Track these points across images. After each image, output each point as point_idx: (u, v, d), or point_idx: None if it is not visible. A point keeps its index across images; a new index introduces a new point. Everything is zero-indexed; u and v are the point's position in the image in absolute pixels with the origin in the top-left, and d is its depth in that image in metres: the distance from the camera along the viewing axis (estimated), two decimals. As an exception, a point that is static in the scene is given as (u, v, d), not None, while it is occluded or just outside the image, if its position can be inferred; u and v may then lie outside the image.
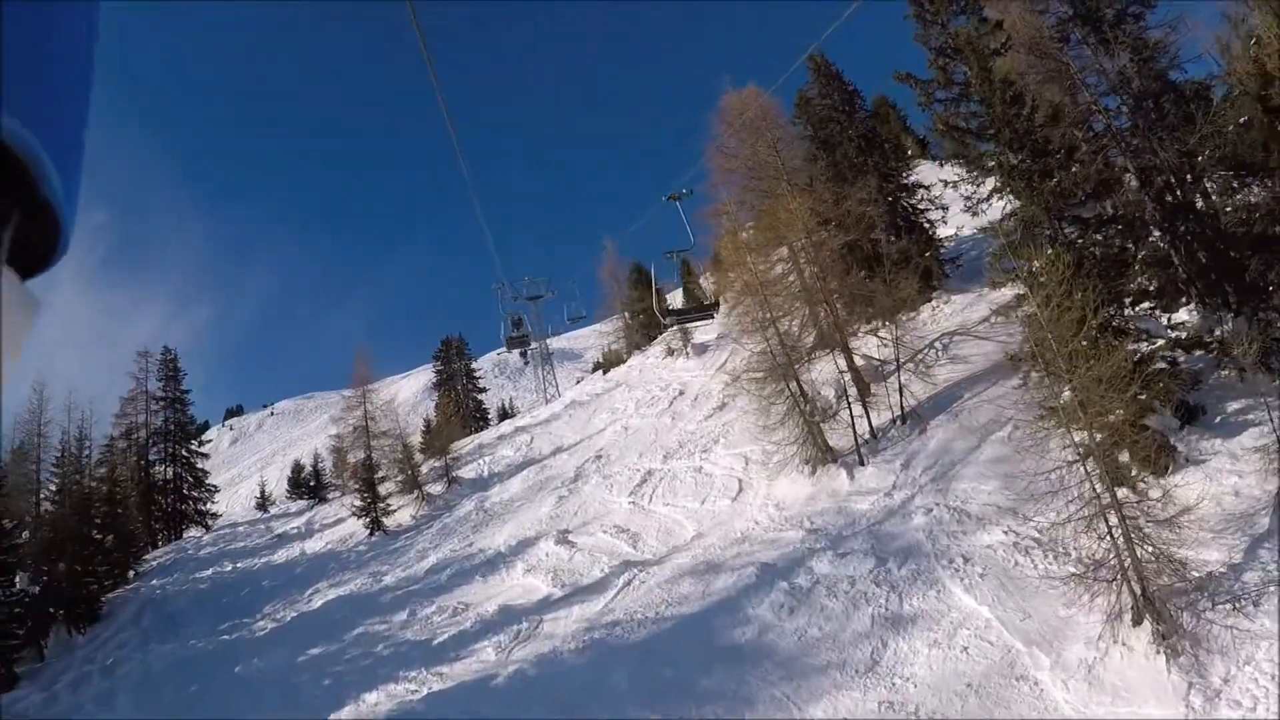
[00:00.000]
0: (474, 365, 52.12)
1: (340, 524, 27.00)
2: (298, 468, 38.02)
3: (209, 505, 34.48)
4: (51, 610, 21.73)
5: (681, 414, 25.53)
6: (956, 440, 16.42)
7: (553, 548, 18.15)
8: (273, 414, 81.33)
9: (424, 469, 27.39)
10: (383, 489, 26.25)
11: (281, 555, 25.93)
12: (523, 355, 54.75)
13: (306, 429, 70.39)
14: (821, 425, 17.36)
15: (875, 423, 17.95)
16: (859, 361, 19.96)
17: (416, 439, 31.76)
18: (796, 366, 18.07)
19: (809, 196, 20.85)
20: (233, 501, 47.07)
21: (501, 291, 42.00)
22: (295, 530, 28.40)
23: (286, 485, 37.69)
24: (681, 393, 28.06)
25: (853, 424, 17.39)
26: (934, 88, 16.61)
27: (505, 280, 39.77)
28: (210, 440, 77.19)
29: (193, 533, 33.03)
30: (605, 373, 47.93)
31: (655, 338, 43.69)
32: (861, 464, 17.04)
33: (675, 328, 35.49)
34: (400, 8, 4.69)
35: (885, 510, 15.35)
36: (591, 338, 79.17)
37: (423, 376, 64.18)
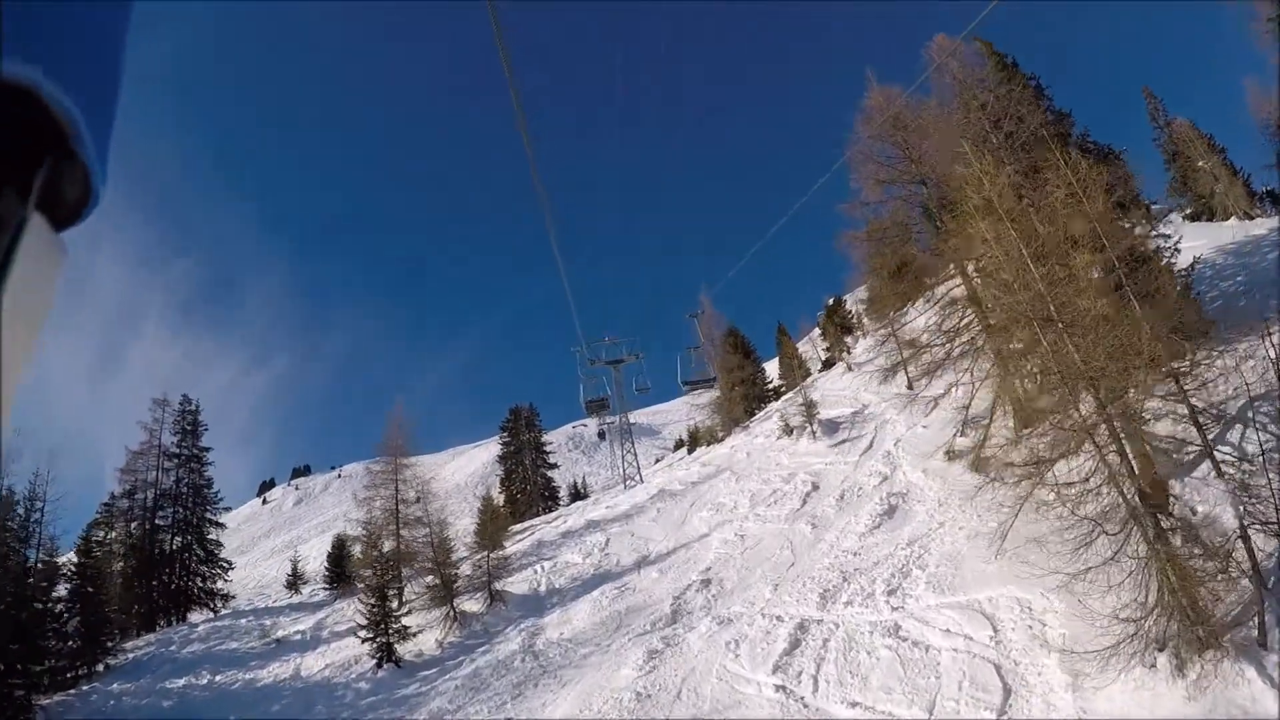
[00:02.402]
0: (545, 438, 45.94)
1: (353, 636, 20.39)
2: (338, 543, 32.15)
3: (219, 584, 28.72)
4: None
5: (825, 520, 17.72)
6: None
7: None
8: (340, 476, 77.84)
9: (463, 570, 20.32)
10: (408, 592, 19.54)
11: (269, 673, 19.40)
12: (600, 435, 50.05)
13: (371, 494, 65.76)
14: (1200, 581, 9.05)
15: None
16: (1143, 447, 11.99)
17: (466, 524, 25.14)
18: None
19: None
20: (283, 568, 42.27)
21: (580, 354, 38.01)
22: (298, 636, 21.89)
23: (326, 562, 31.98)
24: (815, 487, 20.37)
25: (1256, 574, 9.01)
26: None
27: (584, 341, 35.98)
28: (274, 499, 74.68)
29: (195, 616, 27.38)
30: (691, 451, 40.81)
31: (757, 412, 36.24)
32: (1264, 647, 8.69)
33: (787, 399, 27.98)
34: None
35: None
36: (674, 412, 71.74)
37: (490, 449, 58.50)
